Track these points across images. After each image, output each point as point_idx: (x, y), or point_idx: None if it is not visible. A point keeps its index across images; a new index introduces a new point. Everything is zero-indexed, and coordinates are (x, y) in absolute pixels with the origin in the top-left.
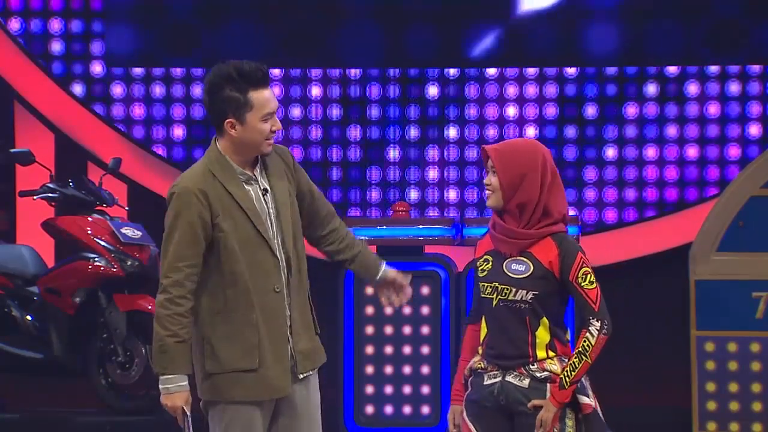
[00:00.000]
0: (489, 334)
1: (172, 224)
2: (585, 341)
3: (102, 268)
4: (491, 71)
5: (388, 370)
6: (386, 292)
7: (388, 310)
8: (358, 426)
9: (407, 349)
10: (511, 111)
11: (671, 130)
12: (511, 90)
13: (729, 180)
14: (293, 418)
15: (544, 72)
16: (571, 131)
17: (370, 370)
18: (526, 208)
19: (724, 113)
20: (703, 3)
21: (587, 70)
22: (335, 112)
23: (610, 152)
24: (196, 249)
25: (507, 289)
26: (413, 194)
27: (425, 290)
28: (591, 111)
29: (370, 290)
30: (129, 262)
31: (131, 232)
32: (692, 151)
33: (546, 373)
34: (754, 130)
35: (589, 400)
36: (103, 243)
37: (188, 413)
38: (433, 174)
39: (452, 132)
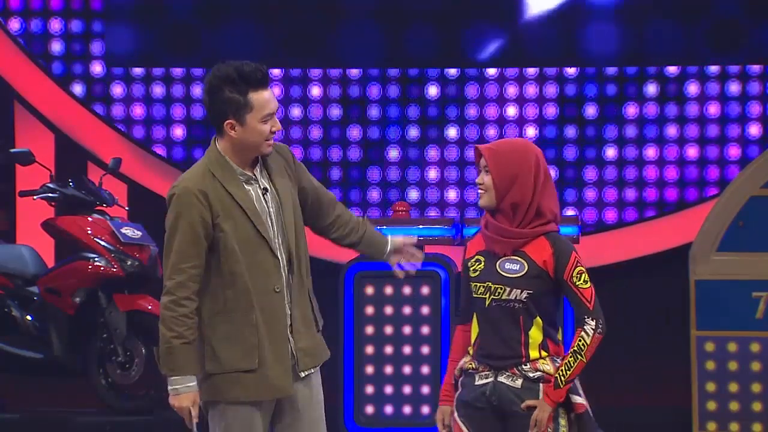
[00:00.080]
0: (481, 334)
1: (173, 226)
2: (580, 340)
3: (102, 268)
4: (491, 71)
5: (388, 370)
6: (398, 260)
7: (388, 310)
8: (358, 426)
9: (407, 349)
10: (511, 111)
11: (671, 130)
12: (511, 90)
13: (729, 180)
14: (296, 418)
15: (544, 72)
16: (571, 131)
17: (370, 370)
18: (519, 208)
19: (724, 113)
20: (703, 3)
21: (587, 70)
22: (335, 112)
23: (610, 152)
24: (198, 249)
25: (501, 289)
26: (413, 194)
27: (425, 290)
28: (591, 111)
29: (370, 290)
30: (129, 262)
31: (131, 232)
32: (692, 151)
33: (539, 373)
34: (754, 130)
35: (581, 400)
36: (103, 243)
37: (195, 414)
38: (433, 174)
39: (452, 132)
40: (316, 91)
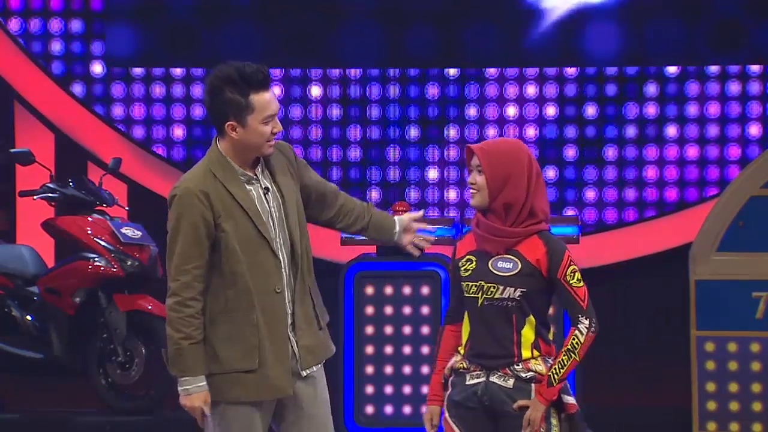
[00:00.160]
0: (472, 333)
1: (175, 227)
2: (574, 339)
3: (102, 268)
4: (491, 71)
5: (388, 370)
6: (410, 239)
7: (388, 310)
8: (358, 426)
9: (407, 349)
10: (511, 111)
11: (671, 130)
12: (511, 90)
13: (729, 180)
14: (300, 416)
15: (544, 72)
16: (571, 131)
17: (370, 370)
18: (512, 208)
19: (724, 113)
20: (703, 3)
21: (587, 70)
22: (335, 112)
23: (610, 152)
24: (201, 250)
25: (494, 288)
26: (413, 194)
27: (425, 290)
28: (591, 111)
29: (370, 290)
30: (129, 262)
31: (131, 232)
32: (692, 151)
33: (531, 373)
34: (754, 130)
35: (573, 400)
36: (103, 243)
37: (208, 414)
38: (433, 174)
39: (452, 132)
40: (316, 91)
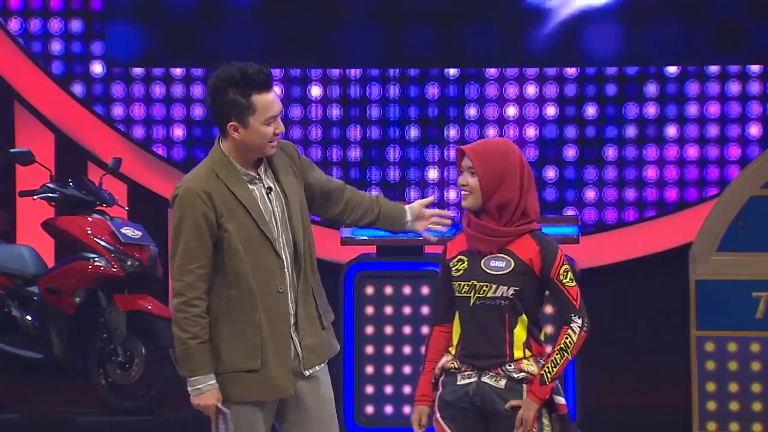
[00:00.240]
0: (464, 334)
1: (178, 227)
2: (567, 338)
3: (102, 268)
4: (491, 71)
5: (388, 370)
6: (425, 225)
7: (388, 310)
8: (358, 426)
9: (407, 349)
10: (511, 111)
11: (671, 130)
12: (511, 90)
13: (729, 180)
14: (303, 416)
15: (544, 72)
16: (571, 131)
17: (370, 370)
18: (506, 209)
19: (724, 113)
20: (703, 3)
21: (587, 70)
22: (335, 112)
23: (610, 152)
24: (205, 249)
25: (486, 287)
26: (413, 194)
27: (425, 290)
28: (591, 111)
29: (370, 290)
30: (129, 262)
31: (131, 232)
32: (692, 151)
33: (523, 374)
34: (754, 130)
35: (564, 401)
36: (103, 243)
37: (225, 410)
38: (433, 174)
39: (452, 132)
40: (316, 91)
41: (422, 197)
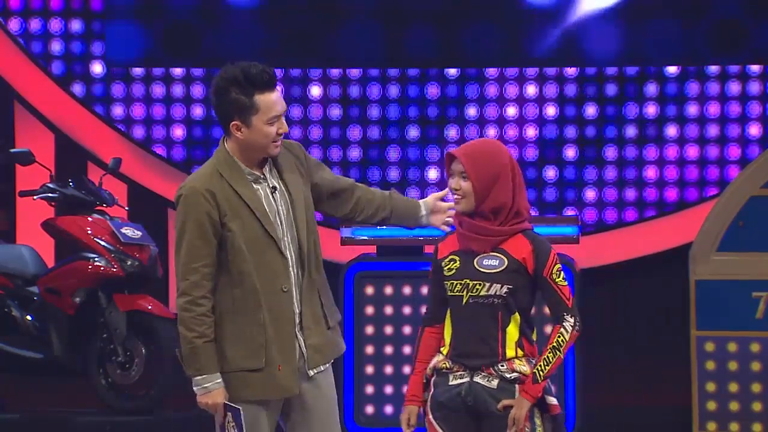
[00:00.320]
0: (455, 333)
1: (182, 226)
2: (559, 336)
3: (102, 268)
4: (491, 71)
5: (388, 370)
6: (442, 218)
7: (388, 310)
8: (358, 426)
9: (407, 349)
10: (511, 111)
11: (671, 130)
12: (511, 90)
13: (729, 180)
14: (306, 416)
15: (544, 72)
16: (571, 131)
17: (370, 370)
18: (501, 211)
19: (724, 113)
20: (703, 3)
21: (587, 70)
22: (335, 112)
23: (610, 152)
24: (209, 248)
25: (479, 285)
26: (413, 194)
27: (425, 290)
28: (591, 111)
29: (370, 290)
30: (129, 262)
31: (131, 232)
32: (692, 151)
33: (515, 374)
34: (754, 130)
35: (556, 401)
36: (103, 243)
37: (237, 406)
38: (433, 174)
39: (452, 132)
40: (316, 91)
41: (422, 197)
